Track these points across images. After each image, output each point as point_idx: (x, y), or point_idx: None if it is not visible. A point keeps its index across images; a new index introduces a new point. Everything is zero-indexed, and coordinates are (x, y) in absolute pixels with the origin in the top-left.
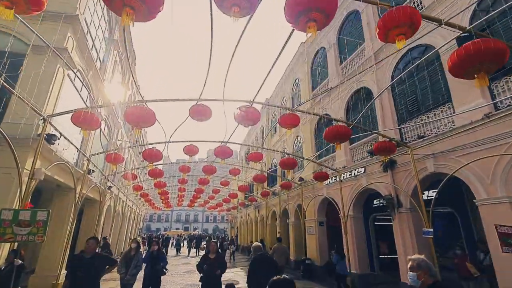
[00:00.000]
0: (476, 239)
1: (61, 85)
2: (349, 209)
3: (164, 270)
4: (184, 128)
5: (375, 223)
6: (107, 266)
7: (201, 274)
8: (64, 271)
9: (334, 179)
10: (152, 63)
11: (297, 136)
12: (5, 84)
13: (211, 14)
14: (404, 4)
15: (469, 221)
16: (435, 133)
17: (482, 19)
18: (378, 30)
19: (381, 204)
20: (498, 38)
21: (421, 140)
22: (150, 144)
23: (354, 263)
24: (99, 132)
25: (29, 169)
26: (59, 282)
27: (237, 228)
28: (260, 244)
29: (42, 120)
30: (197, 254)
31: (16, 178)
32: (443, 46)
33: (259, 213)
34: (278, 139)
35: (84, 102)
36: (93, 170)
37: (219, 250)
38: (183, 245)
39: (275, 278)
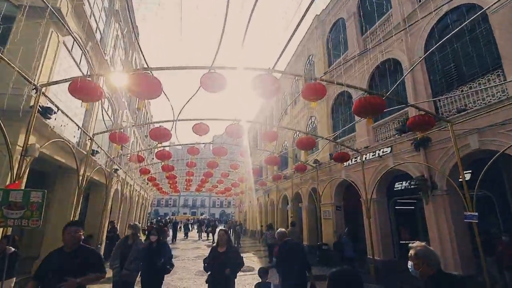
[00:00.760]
0: None
1: (56, 53)
2: (372, 192)
3: (168, 267)
4: (192, 107)
5: (396, 207)
6: (92, 274)
7: (208, 273)
8: None
9: (354, 161)
10: (157, 33)
11: (311, 116)
12: None
13: None
14: None
15: (509, 206)
16: (480, 104)
17: None
18: None
19: (404, 188)
20: None
21: (461, 113)
22: (157, 122)
23: (378, 249)
24: (101, 111)
25: (22, 146)
26: None
27: (245, 212)
28: (285, 230)
29: (35, 90)
30: (208, 238)
31: (7, 156)
32: (494, 4)
33: (269, 198)
34: (289, 120)
35: (82, 73)
36: (97, 151)
37: (232, 240)
38: (192, 229)
39: (337, 269)
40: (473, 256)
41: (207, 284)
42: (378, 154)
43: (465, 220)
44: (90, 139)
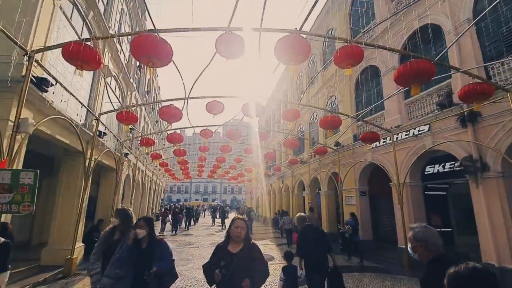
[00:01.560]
0: None
1: (52, 19)
2: (406, 176)
3: (168, 280)
4: (205, 85)
5: (425, 192)
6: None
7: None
8: (79, 245)
9: (383, 142)
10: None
11: (331, 96)
12: None
13: None
14: None
15: None
16: None
17: None
18: None
19: (436, 171)
20: None
21: None
22: (167, 100)
23: None
24: (107, 91)
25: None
26: (73, 256)
27: (257, 199)
28: (304, 214)
29: (27, 57)
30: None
31: None
32: None
33: (283, 183)
34: (306, 101)
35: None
36: (104, 133)
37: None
38: (204, 215)
39: (466, 269)
40: None
41: None
42: (413, 133)
43: None
44: (96, 119)
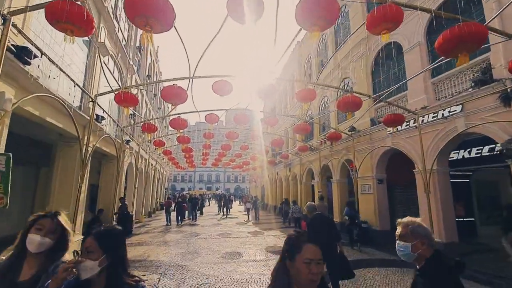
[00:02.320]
0: None
1: None
2: (433, 162)
3: None
4: (210, 62)
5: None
6: None
7: None
8: (78, 237)
9: (405, 125)
10: None
11: (344, 78)
12: None
13: None
14: None
15: None
16: None
17: None
18: None
19: (461, 157)
20: None
21: None
22: (169, 80)
23: (438, 229)
24: (103, 72)
25: None
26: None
27: (262, 187)
28: (314, 203)
29: (1, 20)
30: (226, 213)
31: None
32: None
33: (291, 172)
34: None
35: None
36: (102, 117)
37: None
38: (209, 204)
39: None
40: None
41: None
42: (442, 115)
43: None
44: (92, 100)
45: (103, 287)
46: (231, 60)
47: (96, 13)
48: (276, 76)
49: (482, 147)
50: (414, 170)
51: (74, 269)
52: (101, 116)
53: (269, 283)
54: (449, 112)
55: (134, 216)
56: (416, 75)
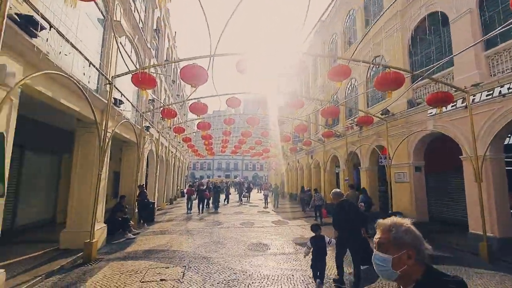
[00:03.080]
0: None
1: None
2: (487, 147)
3: None
4: (229, 42)
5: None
6: None
7: None
8: (100, 226)
9: (451, 106)
10: None
11: (376, 56)
12: None
13: None
14: None
15: None
16: None
17: None
18: None
19: None
20: None
21: None
22: (189, 59)
23: (491, 223)
24: (120, 54)
25: None
26: (93, 240)
27: (282, 175)
28: (340, 190)
29: None
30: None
31: None
32: None
33: (313, 159)
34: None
35: None
36: (121, 101)
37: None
38: (230, 192)
39: None
40: None
41: None
42: (500, 92)
43: None
44: (109, 82)
45: None
46: (253, 41)
47: None
48: (303, 51)
49: None
50: (460, 157)
51: None
52: (119, 100)
53: (303, 280)
54: (508, 89)
55: (156, 203)
56: (468, 48)
